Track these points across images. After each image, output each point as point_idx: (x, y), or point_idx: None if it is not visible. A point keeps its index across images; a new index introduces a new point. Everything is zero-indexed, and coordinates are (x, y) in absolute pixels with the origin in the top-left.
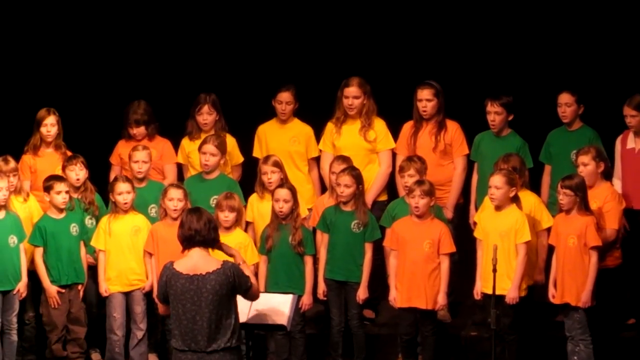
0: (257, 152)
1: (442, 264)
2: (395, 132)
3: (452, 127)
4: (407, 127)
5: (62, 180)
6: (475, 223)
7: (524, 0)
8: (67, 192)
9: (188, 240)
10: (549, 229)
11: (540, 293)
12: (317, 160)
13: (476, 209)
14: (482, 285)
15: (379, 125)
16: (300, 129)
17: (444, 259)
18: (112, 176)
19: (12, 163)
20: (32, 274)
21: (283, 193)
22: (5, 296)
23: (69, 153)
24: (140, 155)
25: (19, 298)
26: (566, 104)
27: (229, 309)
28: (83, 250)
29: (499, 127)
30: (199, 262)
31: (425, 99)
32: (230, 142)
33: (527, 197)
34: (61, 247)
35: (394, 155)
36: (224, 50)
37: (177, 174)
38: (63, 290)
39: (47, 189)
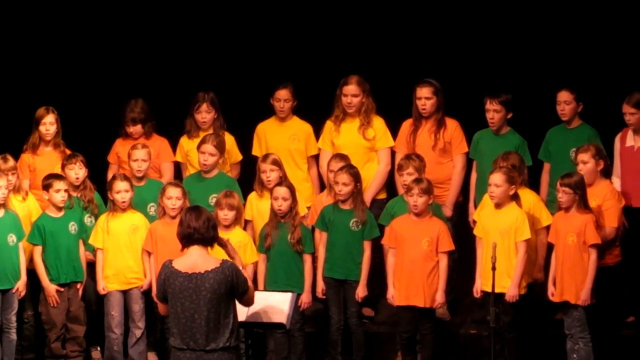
0: (256, 151)
1: (440, 262)
2: (394, 131)
3: (452, 125)
4: (407, 125)
5: (61, 179)
6: (474, 221)
7: None
8: (66, 190)
9: (187, 239)
10: (548, 227)
11: (539, 291)
12: (317, 158)
13: (475, 207)
14: (482, 284)
15: (378, 124)
16: (300, 127)
17: (442, 257)
18: (109, 175)
19: (11, 162)
20: (31, 272)
21: (282, 191)
22: (4, 295)
23: (68, 152)
24: (139, 153)
25: (18, 297)
26: (565, 102)
27: (227, 308)
28: (82, 248)
29: (498, 125)
30: (197, 260)
31: (425, 97)
32: (229, 140)
33: (526, 195)
34: (60, 245)
35: (393, 153)
36: (222, 48)
37: (176, 173)
38: (62, 289)
39: (46, 187)
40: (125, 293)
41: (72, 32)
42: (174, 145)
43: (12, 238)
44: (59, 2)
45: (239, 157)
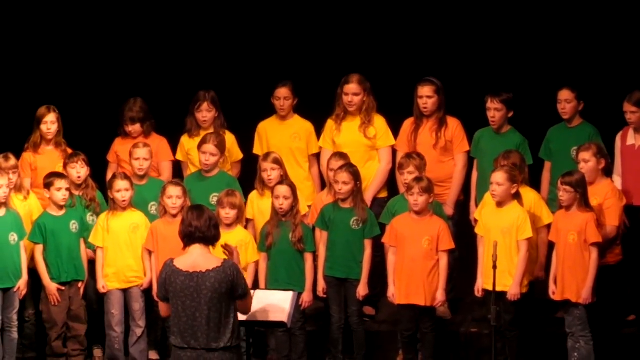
0: (257, 149)
1: (440, 260)
2: (395, 129)
3: (453, 123)
4: (408, 124)
5: (63, 177)
6: (475, 220)
7: None
8: (67, 189)
9: (188, 237)
10: (549, 226)
11: (540, 290)
12: (318, 156)
13: (476, 205)
14: (483, 282)
15: (379, 122)
16: (301, 126)
17: (442, 255)
18: (109, 174)
19: (12, 160)
20: (33, 271)
21: (283, 190)
22: (5, 294)
23: (70, 150)
24: (141, 152)
25: (19, 296)
26: (566, 101)
27: (228, 307)
28: (83, 247)
29: (499, 124)
30: (199, 259)
31: (426, 96)
32: (230, 139)
33: (527, 194)
34: (61, 244)
35: (394, 152)
36: (223, 47)
37: (175, 171)
38: (63, 288)
39: (48, 185)
40: (125, 292)
41: (73, 31)
42: (174, 144)
43: (13, 237)
44: (59, 2)
45: (240, 155)
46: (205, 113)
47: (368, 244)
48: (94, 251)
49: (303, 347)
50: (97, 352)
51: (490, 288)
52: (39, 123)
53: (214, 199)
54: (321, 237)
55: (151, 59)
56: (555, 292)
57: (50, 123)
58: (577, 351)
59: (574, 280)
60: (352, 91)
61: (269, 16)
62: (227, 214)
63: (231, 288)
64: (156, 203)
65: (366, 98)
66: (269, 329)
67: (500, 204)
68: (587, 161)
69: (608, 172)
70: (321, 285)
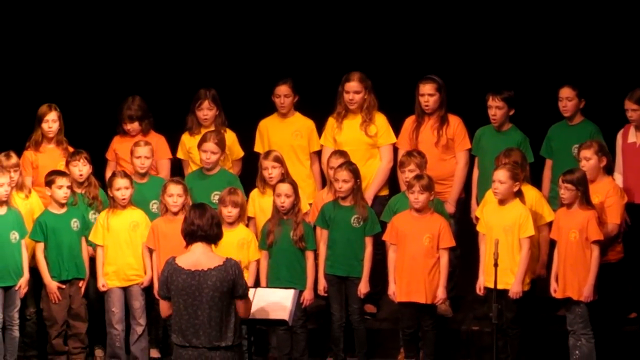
0: (258, 147)
1: (441, 258)
2: (396, 127)
3: (454, 121)
4: (409, 122)
5: (64, 175)
6: (476, 218)
7: None
8: (68, 187)
9: (190, 236)
10: (550, 224)
11: (541, 288)
12: (319, 154)
13: (477, 203)
14: (485, 280)
15: (380, 120)
16: (303, 123)
17: (443, 253)
18: (107, 172)
19: (14, 158)
20: (34, 270)
21: (285, 188)
22: (6, 292)
23: (71, 149)
24: (142, 150)
25: (20, 294)
26: (567, 99)
27: (230, 306)
28: (84, 245)
29: (500, 122)
30: (201, 257)
31: (428, 94)
32: (231, 137)
33: (528, 192)
34: (62, 242)
35: (395, 150)
36: (223, 45)
37: (175, 170)
38: (63, 286)
39: (49, 183)
40: (125, 290)
41: (73, 29)
42: (175, 142)
43: (14, 235)
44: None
45: (241, 153)
46: (206, 111)
47: (369, 242)
48: (95, 249)
49: (304, 345)
50: (98, 352)
51: (492, 286)
52: (40, 121)
53: (215, 197)
54: (321, 235)
55: (152, 57)
56: (556, 290)
57: (51, 121)
58: (579, 349)
59: (575, 278)
60: (353, 89)
61: (270, 14)
62: (229, 212)
63: (232, 287)
64: (157, 201)
65: (367, 96)
66: (270, 327)
67: (502, 202)
68: (589, 159)
69: (609, 170)
70: (322, 283)
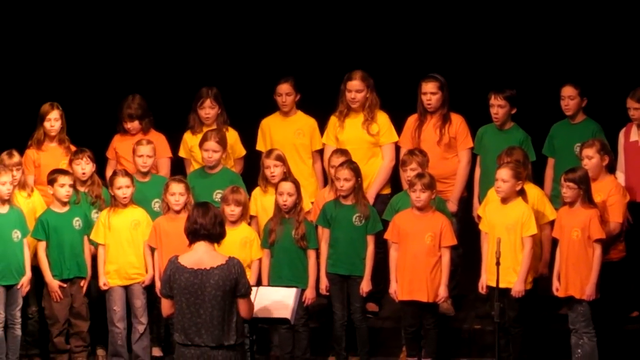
0: (260, 146)
1: (443, 256)
2: (398, 126)
3: (457, 120)
4: (412, 121)
5: (66, 174)
6: (478, 216)
7: None
8: (70, 185)
9: (193, 234)
10: (552, 222)
11: (544, 286)
12: (321, 153)
13: (479, 202)
14: (488, 279)
15: (382, 119)
16: (305, 122)
17: (445, 251)
18: (108, 170)
19: (16, 157)
20: (36, 268)
21: (287, 186)
22: (8, 291)
23: (73, 147)
24: (144, 149)
25: (22, 293)
26: (569, 97)
27: (232, 305)
28: (87, 244)
29: (502, 121)
30: (203, 256)
31: (430, 92)
32: (233, 135)
33: (531, 190)
34: (63, 241)
35: (397, 148)
36: (226, 43)
37: (177, 168)
38: (65, 285)
39: (51, 182)
40: (127, 288)
41: (76, 28)
42: (177, 141)
43: (16, 234)
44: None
45: (243, 152)
46: (208, 110)
47: (371, 240)
48: (96, 248)
49: (306, 344)
50: (100, 352)
51: (494, 284)
52: (43, 120)
53: (217, 195)
54: (323, 234)
55: (153, 56)
56: (558, 289)
57: (53, 120)
58: (581, 347)
59: (577, 277)
60: (355, 88)
61: (271, 12)
62: (232, 210)
63: (235, 286)
64: (159, 200)
65: (369, 95)
66: (272, 325)
67: (504, 201)
68: (591, 158)
69: (611, 168)
70: (324, 282)
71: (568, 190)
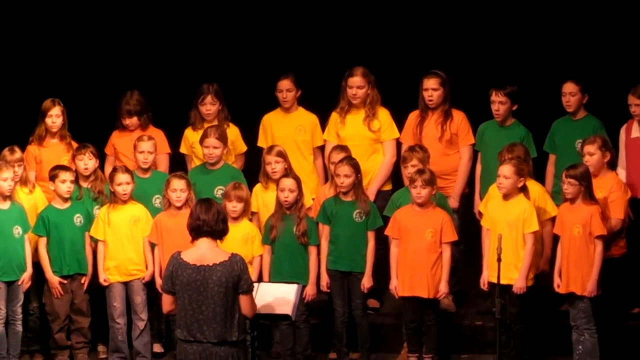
0: (261, 142)
1: (443, 252)
2: (400, 122)
3: (458, 116)
4: (413, 117)
5: (67, 170)
6: (479, 213)
7: None
8: (72, 181)
9: (196, 231)
10: (553, 219)
11: (545, 283)
12: (322, 149)
13: (480, 198)
14: (489, 275)
15: (383, 115)
16: (306, 118)
17: (445, 247)
18: (106, 166)
19: (18, 153)
20: (37, 265)
21: (288, 183)
22: (9, 287)
23: (74, 143)
24: (145, 145)
25: (23, 289)
26: (570, 94)
27: (234, 301)
28: (88, 241)
29: (503, 117)
30: (206, 252)
31: (432, 88)
32: (234, 131)
33: (532, 187)
34: (64, 237)
35: (398, 145)
36: (226, 39)
37: (176, 164)
38: (65, 281)
39: (52, 178)
40: (127, 285)
41: (77, 24)
42: (178, 137)
43: (17, 230)
44: None
45: (244, 148)
46: (209, 106)
47: (371, 236)
48: (96, 244)
49: (307, 340)
50: (101, 348)
51: (496, 281)
52: (44, 116)
53: (218, 191)
54: (323, 231)
55: (154, 52)
56: (559, 285)
57: (55, 116)
58: (582, 344)
59: (578, 273)
60: (356, 84)
61: (272, 8)
62: (234, 207)
63: (237, 282)
64: (160, 196)
65: (370, 91)
66: (273, 321)
67: (506, 197)
68: (592, 154)
69: (613, 165)
70: (324, 279)
71: (569, 187)
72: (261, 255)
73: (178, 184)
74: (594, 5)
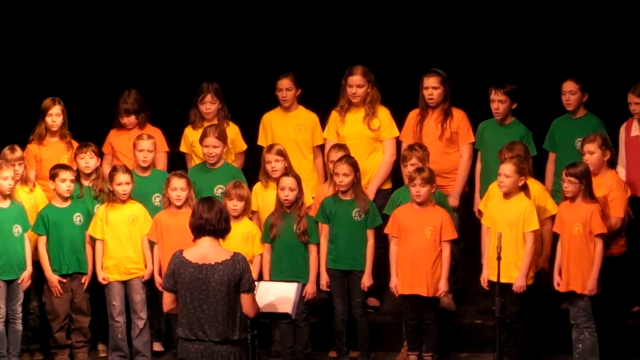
0: (261, 141)
1: (443, 250)
2: (399, 121)
3: (458, 115)
4: (413, 115)
5: (67, 169)
6: (479, 211)
7: None
8: (72, 180)
9: (198, 230)
10: (553, 217)
11: (545, 281)
12: (322, 148)
13: (480, 197)
14: (489, 273)
15: (383, 114)
16: (306, 117)
17: (445, 245)
18: (104, 165)
19: (18, 152)
20: (37, 263)
21: (289, 181)
22: (9, 285)
23: (74, 142)
24: (145, 144)
25: (22, 288)
26: (570, 92)
27: (236, 300)
28: (88, 240)
29: (502, 116)
30: (208, 251)
31: (432, 87)
32: (234, 130)
33: (532, 185)
34: (63, 236)
35: (398, 143)
36: (226, 38)
37: (181, 163)
38: (64, 280)
39: (53, 177)
40: (125, 283)
41: (77, 23)
42: (176, 135)
43: (17, 229)
44: None
45: (244, 146)
46: (209, 105)
47: (371, 234)
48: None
49: (307, 339)
50: (101, 347)
51: (495, 279)
52: (44, 115)
53: (218, 190)
54: (322, 230)
55: (154, 51)
56: (559, 284)
57: (55, 115)
58: (582, 342)
59: (578, 272)
60: (356, 83)
61: (272, 7)
62: (234, 205)
63: (239, 281)
64: (160, 195)
65: (370, 90)
66: (274, 320)
67: (506, 196)
68: (592, 153)
69: (613, 163)
70: (324, 278)
71: (569, 185)
72: (261, 254)
73: (178, 182)
74: (594, 5)
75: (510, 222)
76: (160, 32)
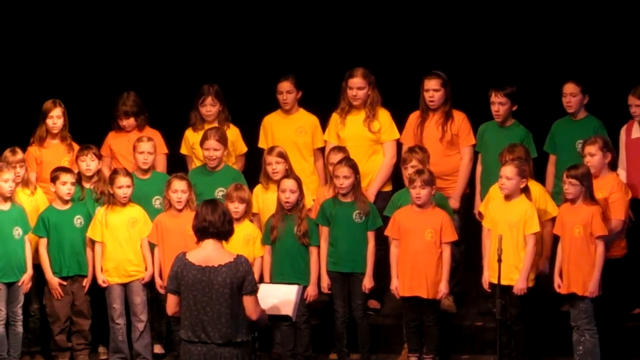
0: (262, 143)
1: (443, 252)
2: (400, 123)
3: (459, 117)
4: (414, 118)
5: (68, 172)
6: (480, 213)
7: None
8: (72, 183)
9: (202, 232)
10: (553, 219)
11: (546, 283)
12: (323, 150)
13: (481, 199)
14: (490, 275)
15: (384, 116)
16: (307, 119)
17: (445, 247)
18: (102, 168)
19: (19, 154)
20: (38, 266)
21: (289, 183)
22: (10, 288)
23: (75, 144)
24: (145, 146)
25: (23, 290)
26: (571, 94)
27: (239, 302)
28: (89, 242)
29: (503, 118)
30: (211, 253)
31: (433, 89)
32: (234, 132)
33: (532, 187)
34: (63, 238)
35: (399, 145)
36: (227, 40)
37: (181, 165)
38: (65, 283)
39: (53, 179)
40: (125, 286)
41: (78, 25)
42: (176, 137)
43: (17, 231)
44: None
45: (244, 149)
46: (210, 107)
47: (371, 236)
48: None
49: (308, 341)
50: (102, 349)
51: (496, 281)
52: (45, 117)
53: (219, 193)
54: (322, 232)
55: (155, 53)
56: (560, 286)
57: (56, 117)
58: (583, 344)
59: (579, 274)
60: (357, 85)
61: (273, 9)
62: (236, 208)
63: (242, 283)
64: (160, 197)
65: (370, 92)
66: (274, 322)
67: (507, 198)
68: (593, 155)
69: (613, 165)
70: (325, 280)
71: (570, 187)
72: (262, 256)
73: (179, 184)
74: (594, 6)
75: (511, 224)
76: (161, 34)
